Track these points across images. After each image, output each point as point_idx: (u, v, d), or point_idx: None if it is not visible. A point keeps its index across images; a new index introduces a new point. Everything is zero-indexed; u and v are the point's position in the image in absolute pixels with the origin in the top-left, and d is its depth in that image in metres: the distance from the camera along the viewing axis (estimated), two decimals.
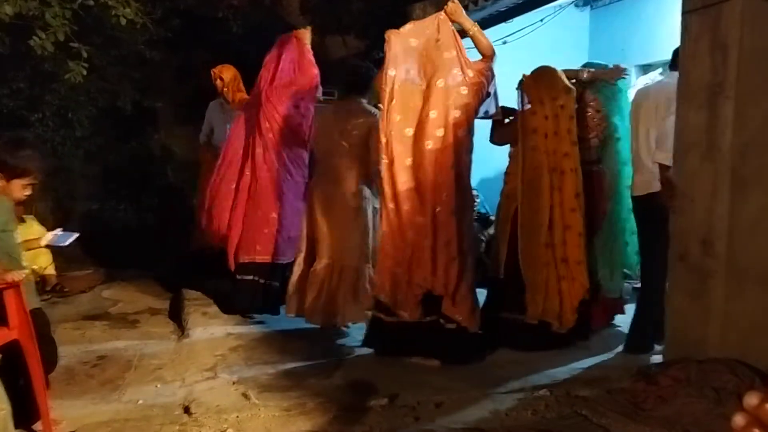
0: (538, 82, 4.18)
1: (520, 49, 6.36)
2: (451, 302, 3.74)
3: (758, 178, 3.01)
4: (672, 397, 2.89)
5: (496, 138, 4.41)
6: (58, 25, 4.55)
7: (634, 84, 6.51)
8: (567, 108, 4.08)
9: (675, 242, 3.40)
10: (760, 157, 3.00)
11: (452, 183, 3.75)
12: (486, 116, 4.14)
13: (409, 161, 3.77)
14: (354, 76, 4.51)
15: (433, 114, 3.75)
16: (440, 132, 3.75)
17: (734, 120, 3.01)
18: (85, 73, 4.97)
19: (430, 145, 3.74)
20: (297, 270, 4.44)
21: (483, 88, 3.88)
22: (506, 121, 4.34)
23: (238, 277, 4.82)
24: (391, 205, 3.78)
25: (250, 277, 4.78)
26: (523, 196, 4.08)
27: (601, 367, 3.68)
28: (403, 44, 3.89)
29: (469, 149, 3.93)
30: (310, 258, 4.41)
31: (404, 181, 3.76)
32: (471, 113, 3.86)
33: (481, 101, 3.94)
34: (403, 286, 3.78)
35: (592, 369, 3.66)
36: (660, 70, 6.33)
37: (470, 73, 3.83)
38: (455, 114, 3.77)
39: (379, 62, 7.30)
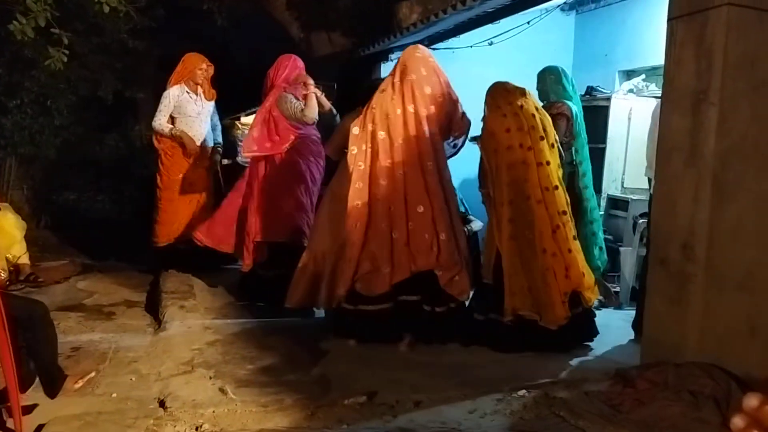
0: (496, 98, 4.26)
1: (506, 51, 6.40)
2: (448, 280, 4.00)
3: (739, 185, 3.04)
4: (649, 401, 2.91)
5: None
6: (39, 10, 4.46)
7: (618, 89, 6.57)
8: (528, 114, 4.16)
9: (655, 246, 3.43)
10: (742, 164, 3.03)
11: (432, 177, 4.02)
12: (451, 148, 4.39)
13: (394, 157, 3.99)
14: (373, 90, 4.63)
15: (410, 109, 4.04)
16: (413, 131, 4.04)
17: (717, 126, 3.04)
18: (65, 60, 4.88)
19: (401, 141, 4.03)
20: (306, 262, 4.46)
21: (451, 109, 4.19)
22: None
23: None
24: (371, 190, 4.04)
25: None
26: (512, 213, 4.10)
27: (579, 369, 3.70)
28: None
29: (442, 147, 4.16)
30: (320, 250, 4.45)
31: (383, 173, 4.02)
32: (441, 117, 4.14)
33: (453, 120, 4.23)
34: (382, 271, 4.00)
35: (571, 371, 3.68)
36: (643, 76, 6.40)
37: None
38: (428, 111, 4.08)
39: (364, 60, 7.31)
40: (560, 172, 4.21)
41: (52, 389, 3.24)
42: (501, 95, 4.24)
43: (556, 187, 4.10)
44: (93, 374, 3.54)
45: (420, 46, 4.45)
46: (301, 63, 5.37)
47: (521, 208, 4.05)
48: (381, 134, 4.04)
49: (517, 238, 4.04)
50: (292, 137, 5.14)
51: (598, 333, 4.22)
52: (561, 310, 3.96)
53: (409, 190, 4.02)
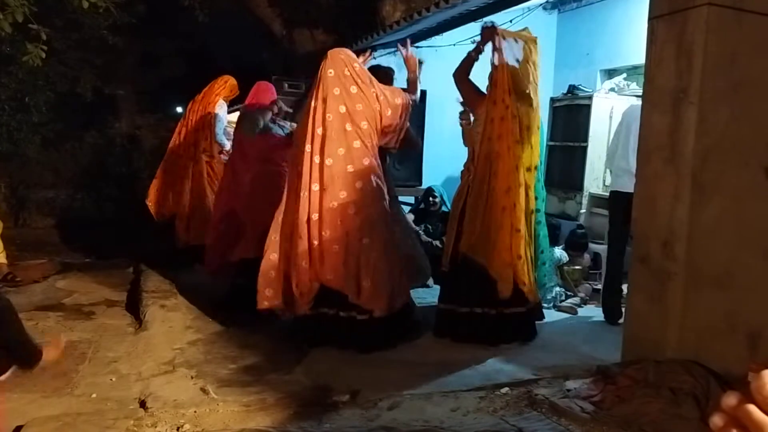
0: (515, 81, 4.20)
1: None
2: (357, 296, 3.93)
3: (718, 183, 3.07)
4: (630, 397, 2.93)
5: (459, 74, 4.41)
6: (16, 5, 4.39)
7: (600, 88, 6.61)
8: (525, 118, 4.13)
9: (636, 244, 3.45)
10: (721, 163, 3.06)
11: (353, 181, 3.97)
12: (386, 146, 4.29)
13: (317, 159, 3.97)
14: (387, 78, 4.67)
15: (338, 113, 3.99)
16: (346, 132, 3.99)
17: (697, 125, 3.07)
18: (44, 56, 4.81)
19: (338, 148, 3.98)
20: None
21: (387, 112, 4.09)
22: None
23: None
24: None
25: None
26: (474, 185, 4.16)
27: (561, 367, 3.72)
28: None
29: (374, 153, 4.08)
30: None
31: (312, 180, 3.97)
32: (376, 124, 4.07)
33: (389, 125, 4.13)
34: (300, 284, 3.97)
35: (553, 368, 3.69)
36: (624, 75, 6.44)
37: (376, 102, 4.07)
38: (359, 120, 4.01)
39: None
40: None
41: (28, 363, 3.38)
42: (505, 89, 4.14)
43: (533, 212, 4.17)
44: (64, 340, 3.70)
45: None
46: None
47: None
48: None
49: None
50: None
51: (536, 334, 4.31)
52: (509, 278, 4.08)
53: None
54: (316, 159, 3.96)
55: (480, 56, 4.36)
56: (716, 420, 0.56)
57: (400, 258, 4.18)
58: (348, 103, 3.99)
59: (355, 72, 4.06)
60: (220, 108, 6.35)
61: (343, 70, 4.04)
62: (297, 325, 4.09)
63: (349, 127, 3.97)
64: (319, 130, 3.97)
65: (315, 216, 3.93)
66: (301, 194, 3.95)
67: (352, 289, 3.93)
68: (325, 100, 3.99)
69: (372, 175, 4.03)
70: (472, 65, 4.37)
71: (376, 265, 3.98)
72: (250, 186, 4.92)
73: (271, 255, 4.03)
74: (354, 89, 4.02)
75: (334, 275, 3.93)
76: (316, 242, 3.93)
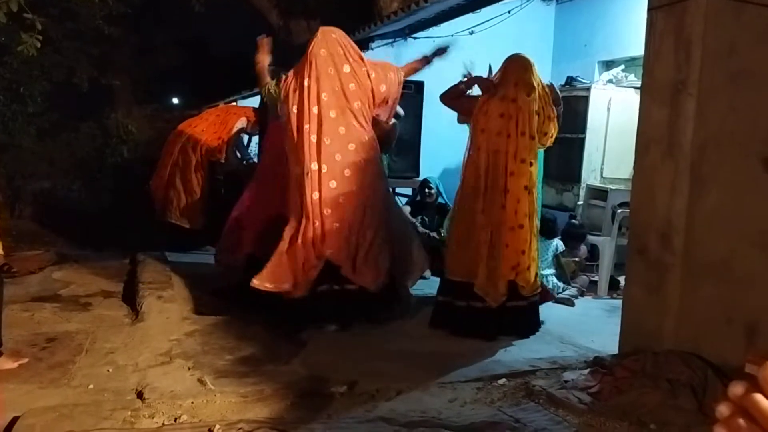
0: (510, 72, 4.14)
1: (487, 40, 6.39)
2: (352, 270, 4.03)
3: (716, 175, 3.07)
4: (627, 388, 2.94)
5: (446, 98, 4.36)
6: None
7: (598, 80, 6.61)
8: (523, 110, 4.03)
9: (634, 236, 3.45)
10: (719, 154, 3.06)
11: (355, 159, 4.03)
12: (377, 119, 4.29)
13: (314, 138, 4.00)
14: None
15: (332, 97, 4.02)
16: (333, 113, 4.01)
17: (695, 117, 3.06)
18: (39, 46, 4.77)
19: (332, 131, 4.02)
20: None
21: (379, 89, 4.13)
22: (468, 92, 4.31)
23: None
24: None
25: None
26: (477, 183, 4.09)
27: (558, 358, 3.72)
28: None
29: (371, 133, 4.14)
30: None
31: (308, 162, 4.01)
32: (369, 105, 4.14)
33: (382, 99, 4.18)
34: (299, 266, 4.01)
35: (550, 359, 3.70)
36: (622, 66, 6.43)
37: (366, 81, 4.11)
38: (355, 104, 4.06)
39: None
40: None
41: None
42: (509, 84, 4.06)
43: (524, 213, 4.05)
44: (26, 360, 3.52)
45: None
46: None
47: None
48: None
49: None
50: None
51: (539, 328, 4.25)
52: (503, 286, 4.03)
53: None
54: (313, 138, 3.98)
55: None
56: (722, 409, 0.55)
57: (393, 240, 4.24)
58: (343, 83, 4.01)
59: (347, 51, 4.08)
60: (241, 124, 6.53)
61: (336, 49, 4.05)
62: (294, 309, 4.10)
63: (345, 106, 4.01)
64: (314, 109, 3.98)
65: (315, 195, 3.97)
66: (307, 175, 3.98)
67: (348, 264, 4.03)
68: (318, 79, 4.00)
69: (372, 152, 4.07)
70: (460, 95, 4.30)
71: (372, 243, 4.08)
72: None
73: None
74: (347, 68, 4.04)
75: (335, 250, 4.01)
76: (318, 221, 3.99)
